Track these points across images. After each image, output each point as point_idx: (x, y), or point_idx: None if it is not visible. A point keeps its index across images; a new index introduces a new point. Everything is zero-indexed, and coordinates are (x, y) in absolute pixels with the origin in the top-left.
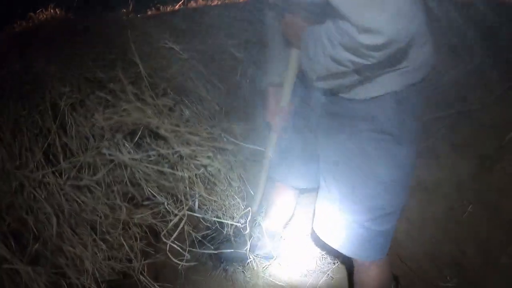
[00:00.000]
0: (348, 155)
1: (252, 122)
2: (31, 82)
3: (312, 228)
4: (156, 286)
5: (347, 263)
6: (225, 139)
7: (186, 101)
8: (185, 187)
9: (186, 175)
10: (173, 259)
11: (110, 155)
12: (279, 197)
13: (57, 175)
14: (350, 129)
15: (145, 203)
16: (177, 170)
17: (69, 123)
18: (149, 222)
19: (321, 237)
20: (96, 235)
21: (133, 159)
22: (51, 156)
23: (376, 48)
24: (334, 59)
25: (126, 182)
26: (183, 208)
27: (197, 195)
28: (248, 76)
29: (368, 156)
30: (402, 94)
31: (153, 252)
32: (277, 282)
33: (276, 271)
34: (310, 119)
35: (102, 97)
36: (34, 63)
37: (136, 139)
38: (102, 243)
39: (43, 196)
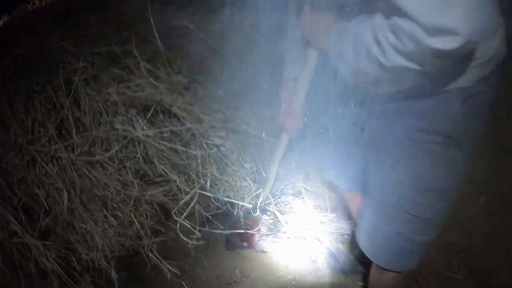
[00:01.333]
0: (396, 158)
1: (267, 106)
2: (45, 58)
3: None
4: (165, 264)
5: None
6: (238, 121)
7: (201, 80)
8: (197, 166)
9: (198, 153)
10: (183, 238)
11: (123, 130)
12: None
13: (70, 150)
14: (400, 128)
15: (157, 179)
16: (190, 148)
17: (83, 98)
18: (160, 200)
19: (360, 247)
20: (107, 211)
21: (146, 135)
22: (63, 131)
23: (448, 53)
24: (383, 66)
25: (138, 158)
26: (194, 186)
27: (209, 175)
28: (263, 59)
29: (420, 161)
30: (470, 90)
31: (163, 231)
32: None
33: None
34: (356, 117)
35: (116, 72)
36: (48, 39)
37: (149, 115)
38: (113, 219)
39: (55, 171)
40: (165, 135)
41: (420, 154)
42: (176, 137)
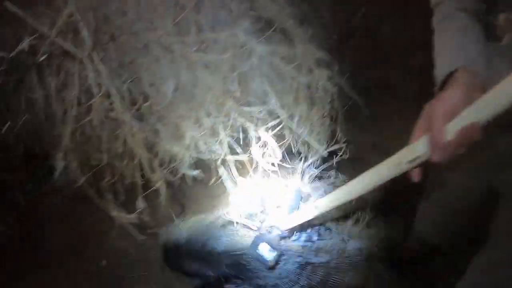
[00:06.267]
0: None
1: None
2: None
3: None
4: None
5: None
6: None
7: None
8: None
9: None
10: (260, 159)
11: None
12: None
13: (185, 45)
14: None
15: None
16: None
17: None
18: (248, 119)
19: None
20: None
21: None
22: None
23: None
24: None
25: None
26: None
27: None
28: None
29: None
30: None
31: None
32: None
33: None
34: None
35: None
36: None
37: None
38: (204, 123)
39: (165, 61)
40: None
41: None
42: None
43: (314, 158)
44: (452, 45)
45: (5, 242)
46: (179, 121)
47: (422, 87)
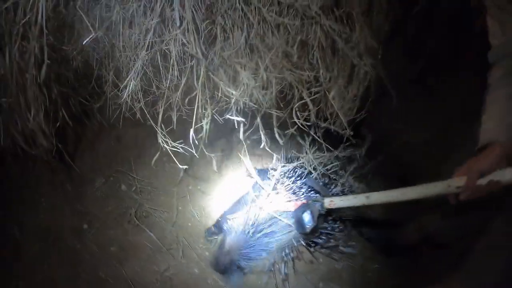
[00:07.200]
0: None
1: None
2: None
3: None
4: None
5: None
6: None
7: None
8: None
9: None
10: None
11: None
12: None
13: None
14: None
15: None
16: None
17: None
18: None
19: None
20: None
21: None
22: None
23: None
24: None
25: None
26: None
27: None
28: None
29: None
30: None
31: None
32: None
33: None
34: None
35: None
36: None
37: None
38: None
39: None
40: None
41: None
42: None
43: (337, 127)
44: (500, 115)
45: (42, 154)
46: (240, 68)
47: (464, 99)
